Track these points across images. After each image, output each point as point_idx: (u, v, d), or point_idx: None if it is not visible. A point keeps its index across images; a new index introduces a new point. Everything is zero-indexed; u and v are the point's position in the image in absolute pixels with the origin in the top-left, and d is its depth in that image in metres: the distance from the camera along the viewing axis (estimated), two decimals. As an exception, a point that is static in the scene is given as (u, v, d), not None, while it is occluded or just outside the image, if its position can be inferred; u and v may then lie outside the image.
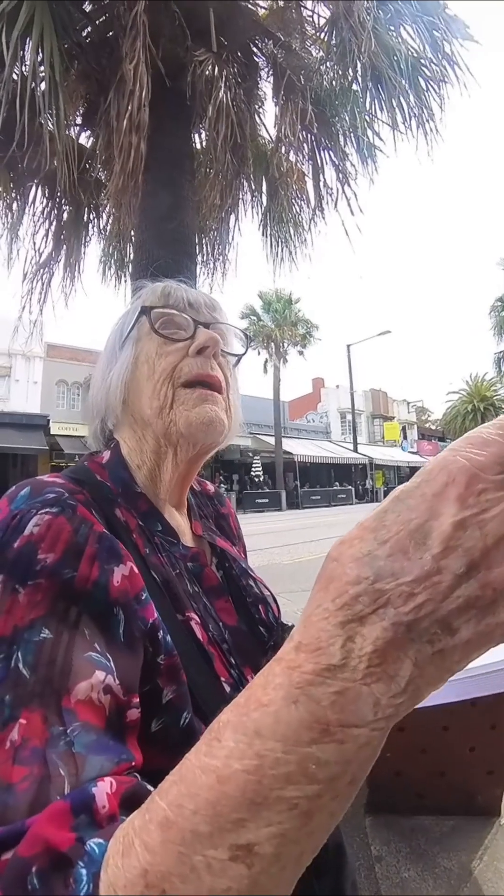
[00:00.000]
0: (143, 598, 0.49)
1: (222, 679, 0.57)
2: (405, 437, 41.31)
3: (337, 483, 30.39)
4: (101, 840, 0.30)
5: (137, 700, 0.44)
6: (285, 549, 9.30)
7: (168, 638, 0.51)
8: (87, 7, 3.37)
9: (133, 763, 0.40)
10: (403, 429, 41.11)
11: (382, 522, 0.26)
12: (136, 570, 0.50)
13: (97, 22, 3.40)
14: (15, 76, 2.66)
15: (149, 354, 0.66)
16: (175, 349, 0.65)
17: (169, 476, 0.68)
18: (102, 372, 0.71)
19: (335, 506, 25.22)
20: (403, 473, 38.11)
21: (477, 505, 0.25)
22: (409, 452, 40.52)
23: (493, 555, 0.24)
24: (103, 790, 0.34)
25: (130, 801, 0.34)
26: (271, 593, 0.77)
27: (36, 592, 0.42)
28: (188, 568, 0.65)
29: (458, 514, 0.25)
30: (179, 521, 0.71)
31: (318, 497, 25.84)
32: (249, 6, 3.73)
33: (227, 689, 0.57)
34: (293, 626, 0.85)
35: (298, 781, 0.24)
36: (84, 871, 0.28)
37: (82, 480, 0.59)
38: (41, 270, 4.41)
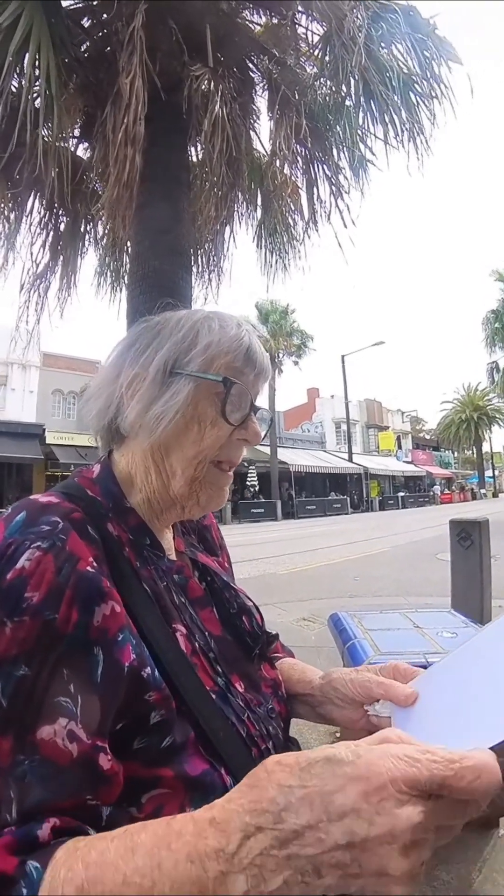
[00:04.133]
0: (119, 638, 0.51)
1: (207, 688, 0.58)
2: (400, 447, 41.45)
3: (332, 493, 30.38)
4: (37, 864, 0.38)
5: (107, 748, 0.47)
6: (280, 560, 9.27)
7: (156, 674, 0.52)
8: (86, 23, 3.44)
9: (85, 801, 0.44)
10: (398, 438, 41.27)
11: (310, 770, 0.35)
12: (117, 608, 0.52)
13: (95, 37, 3.46)
14: (14, 88, 2.69)
15: (203, 418, 0.65)
16: (228, 426, 0.66)
17: (168, 515, 0.71)
18: (126, 372, 0.67)
19: (331, 515, 25.20)
20: (398, 482, 38.19)
21: (375, 806, 0.32)
22: (404, 462, 40.64)
23: (370, 844, 0.32)
24: (46, 828, 0.41)
25: (65, 833, 0.42)
26: (254, 604, 0.80)
27: (20, 629, 0.45)
28: (174, 580, 0.67)
29: (357, 804, 0.33)
30: (166, 535, 0.73)
31: (314, 507, 25.81)
32: (245, 23, 3.81)
33: (213, 697, 0.58)
34: (277, 634, 0.86)
35: None
36: (25, 890, 0.37)
37: (76, 497, 0.60)
38: (38, 280, 4.44)
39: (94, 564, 0.52)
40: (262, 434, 0.72)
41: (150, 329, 0.69)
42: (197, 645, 0.62)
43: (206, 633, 0.66)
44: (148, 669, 0.52)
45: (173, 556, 0.73)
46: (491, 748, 0.35)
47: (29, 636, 0.45)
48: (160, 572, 0.65)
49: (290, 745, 0.73)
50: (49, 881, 0.37)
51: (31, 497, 0.56)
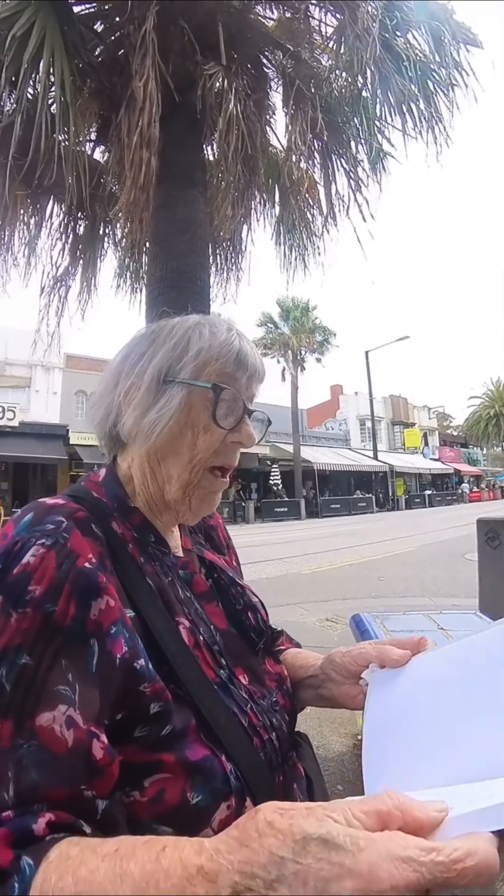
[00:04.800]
0: (112, 631, 0.53)
1: (209, 678, 0.61)
2: (426, 444, 40.72)
3: (357, 491, 30.10)
4: (31, 861, 0.39)
5: (103, 736, 0.48)
6: (304, 559, 9.23)
7: (149, 666, 0.55)
8: (98, 27, 3.47)
9: (80, 792, 0.46)
10: (424, 435, 40.54)
11: (305, 847, 0.33)
12: (111, 602, 0.54)
13: (108, 41, 3.49)
14: (29, 96, 2.73)
15: (196, 423, 0.68)
16: (221, 431, 0.68)
17: (165, 519, 0.73)
18: (123, 382, 0.70)
19: (355, 514, 24.98)
20: (425, 480, 37.56)
21: None
22: (431, 459, 39.93)
23: None
24: (42, 823, 0.42)
25: (60, 828, 0.43)
26: (260, 600, 0.82)
27: (23, 620, 0.48)
28: (180, 575, 0.70)
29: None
30: (171, 534, 0.76)
31: (338, 505, 25.62)
32: (258, 19, 3.78)
33: (215, 687, 0.61)
34: (282, 631, 0.87)
35: None
36: (17, 885, 0.38)
37: (81, 498, 0.64)
38: (58, 283, 4.51)
39: (93, 561, 0.55)
40: (258, 437, 0.74)
41: (145, 338, 0.72)
42: (201, 638, 0.64)
43: (212, 627, 0.69)
44: (141, 661, 0.54)
45: (180, 553, 0.76)
46: (493, 832, 0.34)
47: (31, 627, 0.48)
48: (165, 568, 0.68)
49: (296, 739, 0.75)
50: (40, 883, 0.38)
51: (40, 500, 0.60)
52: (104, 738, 0.48)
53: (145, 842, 0.40)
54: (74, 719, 0.46)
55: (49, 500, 0.59)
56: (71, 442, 19.69)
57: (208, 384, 0.67)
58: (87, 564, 0.53)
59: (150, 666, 0.54)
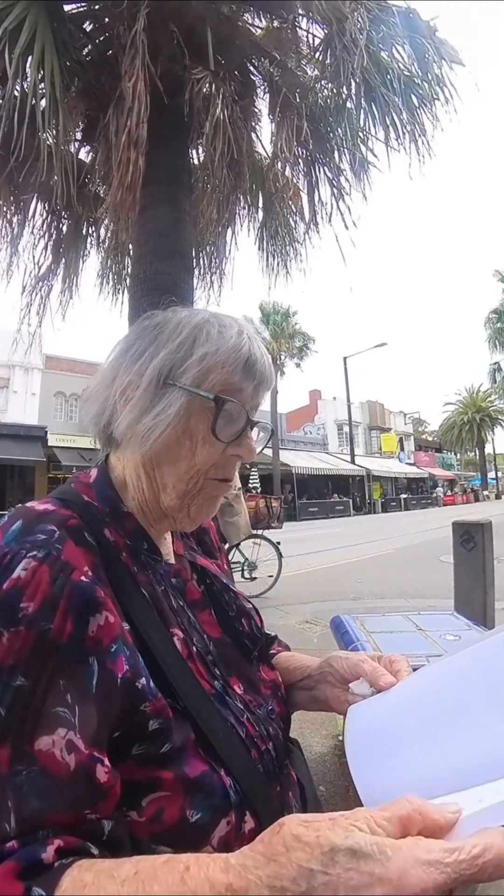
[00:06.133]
0: (112, 649, 0.50)
1: (205, 691, 0.59)
2: (402, 449, 41.37)
3: (335, 495, 30.32)
4: (42, 892, 0.37)
5: (106, 760, 0.46)
6: (283, 561, 9.23)
7: (151, 684, 0.52)
8: (88, 27, 3.46)
9: (84, 817, 0.44)
10: (400, 440, 41.21)
11: (333, 858, 0.34)
12: (111, 618, 0.51)
13: (97, 41, 3.48)
14: (16, 93, 2.71)
15: (195, 433, 0.63)
16: (220, 444, 0.64)
17: (160, 525, 0.70)
18: (121, 378, 0.65)
19: (333, 517, 25.15)
20: (401, 484, 38.08)
21: None
22: (407, 464, 40.56)
23: None
24: (51, 850, 0.40)
25: (69, 853, 0.41)
26: (253, 606, 0.80)
27: (16, 639, 0.45)
28: (172, 583, 0.67)
29: None
30: (164, 540, 0.73)
31: (316, 509, 25.77)
32: (246, 26, 3.82)
33: (212, 700, 0.59)
34: (276, 636, 0.86)
35: None
36: None
37: (71, 502, 0.60)
38: (40, 283, 4.45)
39: (90, 574, 0.51)
40: (258, 449, 0.71)
41: (148, 331, 0.67)
42: (194, 649, 0.62)
43: (205, 636, 0.66)
44: (143, 680, 0.51)
45: (172, 560, 0.72)
46: None
47: (25, 646, 0.45)
48: (158, 576, 0.64)
49: (290, 746, 0.74)
50: None
51: (28, 505, 0.56)
52: (107, 761, 0.46)
53: (165, 861, 0.39)
54: (75, 743, 0.44)
55: (38, 507, 0.55)
56: (49, 444, 19.34)
57: (210, 395, 0.61)
58: (83, 578, 0.50)
59: (152, 684, 0.52)
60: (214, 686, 0.60)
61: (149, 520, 0.68)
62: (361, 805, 0.53)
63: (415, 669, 0.64)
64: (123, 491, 0.67)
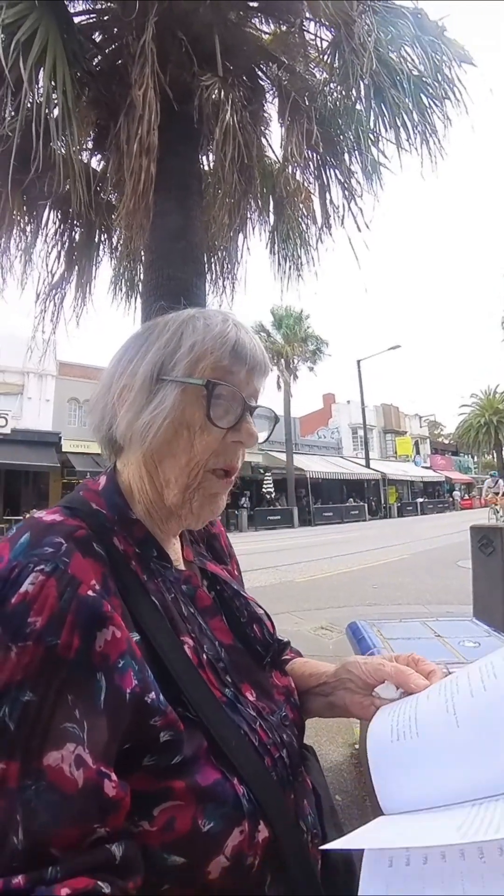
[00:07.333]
0: (120, 664, 0.50)
1: (217, 699, 0.58)
2: (418, 452, 40.96)
3: (350, 499, 30.15)
4: None
5: (113, 775, 0.46)
6: (298, 567, 9.20)
7: (161, 698, 0.52)
8: (98, 38, 3.51)
9: (94, 832, 0.44)
10: (416, 443, 40.80)
11: None
12: (118, 633, 0.51)
13: (107, 51, 3.52)
14: (28, 104, 2.75)
15: (192, 423, 0.63)
16: (218, 430, 0.64)
17: (168, 525, 0.70)
18: (116, 383, 0.67)
19: (348, 522, 24.99)
20: (417, 488, 37.70)
21: None
22: (423, 467, 40.13)
23: None
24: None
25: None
26: (265, 611, 0.79)
27: (24, 654, 0.45)
28: (182, 590, 0.67)
29: None
30: (173, 545, 0.73)
31: (331, 513, 25.63)
32: (254, 32, 3.83)
33: (224, 708, 0.58)
34: (288, 641, 0.85)
35: None
36: None
37: (80, 510, 0.60)
38: (53, 290, 4.50)
39: (97, 587, 0.51)
40: (261, 435, 0.70)
41: (139, 337, 0.68)
42: (205, 656, 0.61)
43: (216, 643, 0.66)
44: (152, 695, 0.51)
45: (181, 566, 0.72)
46: None
47: (33, 661, 0.45)
48: (168, 584, 0.64)
49: (305, 752, 0.73)
50: None
51: (37, 515, 0.56)
52: (115, 776, 0.46)
53: None
54: (84, 759, 0.44)
55: (46, 518, 0.56)
56: (63, 449, 19.58)
57: (201, 381, 0.62)
58: (90, 592, 0.50)
59: (162, 697, 0.52)
60: (226, 693, 0.60)
61: (156, 522, 0.68)
62: (379, 815, 0.51)
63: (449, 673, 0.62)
64: (130, 496, 0.67)
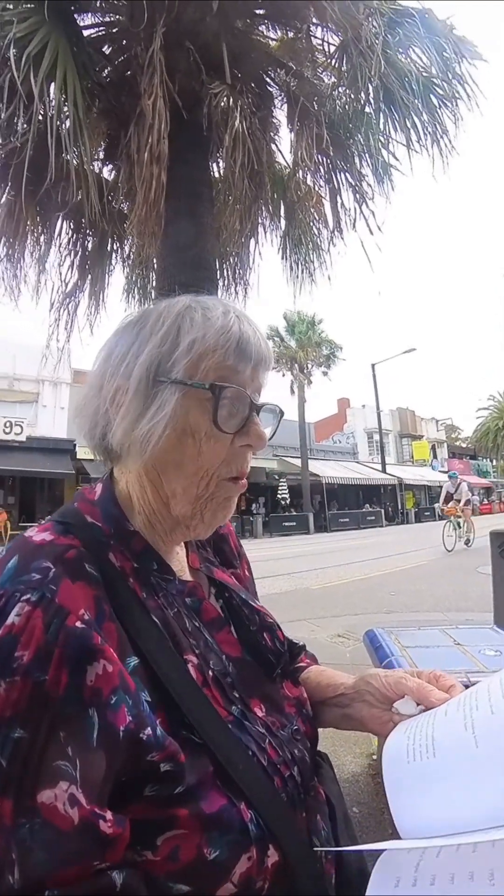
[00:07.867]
0: (112, 701, 0.47)
1: (222, 719, 0.56)
2: (435, 456, 40.48)
3: (366, 505, 29.88)
4: None
5: (108, 814, 0.44)
6: (314, 574, 9.11)
7: (157, 732, 0.49)
8: (107, 49, 3.57)
9: (92, 868, 0.42)
10: (433, 447, 40.34)
11: None
12: (109, 668, 0.48)
13: (116, 62, 3.58)
14: (40, 116, 2.80)
15: (197, 430, 0.59)
16: (226, 437, 0.60)
17: (173, 536, 0.66)
18: (108, 384, 0.61)
19: (365, 528, 24.74)
20: (435, 493, 37.23)
21: None
22: (440, 472, 39.63)
23: None
24: None
25: None
26: (274, 620, 0.75)
27: (12, 690, 0.43)
28: (186, 604, 0.63)
29: None
30: (176, 555, 0.69)
31: (347, 519, 25.40)
32: (261, 39, 3.86)
33: (230, 727, 0.55)
34: (303, 646, 0.81)
35: None
36: None
37: (72, 525, 0.57)
38: (67, 299, 4.57)
39: (86, 617, 0.48)
40: (269, 434, 0.64)
41: (129, 330, 0.62)
42: (210, 673, 0.58)
43: (223, 657, 0.63)
44: (148, 730, 0.48)
45: (186, 576, 0.69)
46: None
47: (21, 697, 0.43)
48: (170, 598, 0.61)
49: (319, 760, 0.70)
50: None
51: (27, 535, 0.54)
52: (109, 815, 0.44)
53: None
54: (77, 798, 0.42)
55: (35, 538, 0.53)
56: (78, 456, 19.76)
57: (205, 385, 0.57)
58: (78, 623, 0.47)
59: (159, 731, 0.49)
60: (232, 711, 0.57)
61: (159, 534, 0.64)
62: (396, 831, 0.48)
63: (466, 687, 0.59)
64: (129, 507, 0.63)
